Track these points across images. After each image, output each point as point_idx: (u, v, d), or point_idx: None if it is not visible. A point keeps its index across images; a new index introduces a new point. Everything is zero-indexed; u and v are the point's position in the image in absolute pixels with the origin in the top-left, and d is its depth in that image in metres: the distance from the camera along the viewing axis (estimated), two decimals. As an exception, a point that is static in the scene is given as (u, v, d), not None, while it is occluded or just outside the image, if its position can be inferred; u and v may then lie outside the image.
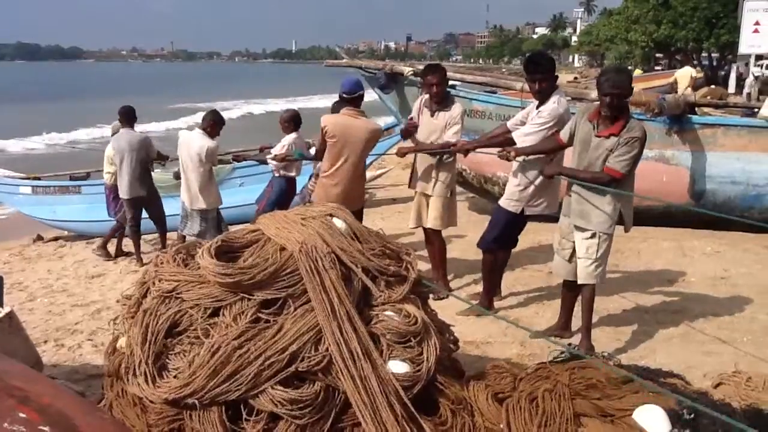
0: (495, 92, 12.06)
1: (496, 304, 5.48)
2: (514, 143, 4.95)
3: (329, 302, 2.90)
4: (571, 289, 4.68)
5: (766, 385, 3.49)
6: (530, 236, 6.72)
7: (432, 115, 5.67)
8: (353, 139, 5.47)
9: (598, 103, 4.31)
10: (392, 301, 3.12)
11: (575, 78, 46.28)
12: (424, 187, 5.76)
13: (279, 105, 36.76)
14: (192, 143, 6.83)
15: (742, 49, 24.29)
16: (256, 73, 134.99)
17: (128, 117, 7.73)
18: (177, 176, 7.91)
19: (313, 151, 6.89)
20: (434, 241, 5.90)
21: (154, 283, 3.07)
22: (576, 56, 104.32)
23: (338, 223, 3.29)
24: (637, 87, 12.34)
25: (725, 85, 27.28)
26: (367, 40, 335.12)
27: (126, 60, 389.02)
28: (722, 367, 4.11)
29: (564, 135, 4.56)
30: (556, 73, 5.03)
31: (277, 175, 7.16)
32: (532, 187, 5.03)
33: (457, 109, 5.68)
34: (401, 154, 5.98)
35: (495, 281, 5.45)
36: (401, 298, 3.14)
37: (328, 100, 6.88)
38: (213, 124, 6.92)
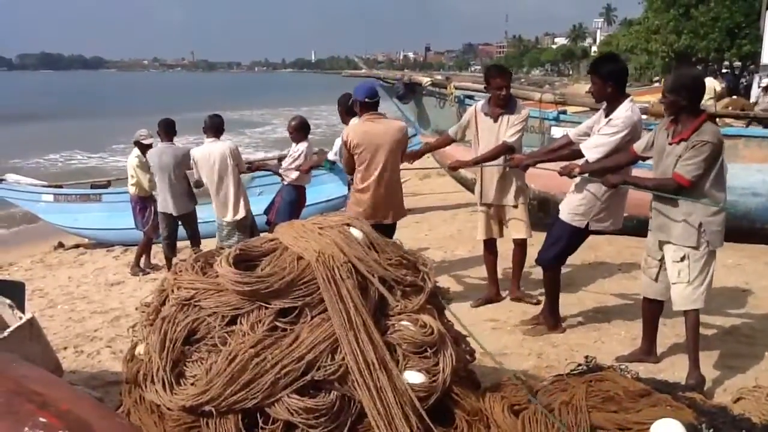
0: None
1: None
2: (579, 156, 4.65)
3: (346, 312, 2.91)
4: (653, 308, 4.41)
5: (786, 401, 3.44)
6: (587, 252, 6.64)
7: (495, 120, 5.40)
8: (381, 143, 5.19)
9: None
10: (409, 311, 3.12)
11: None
12: (500, 198, 5.55)
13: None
14: (213, 154, 6.59)
15: (765, 59, 24.09)
16: (277, 83, 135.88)
17: (168, 130, 7.42)
18: (198, 185, 7.91)
19: (331, 156, 6.86)
20: (518, 252, 5.73)
21: (172, 291, 3.10)
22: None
23: (355, 232, 3.30)
24: (657, 97, 12.28)
25: (747, 95, 27.01)
26: (385, 50, 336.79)
27: (147, 69, 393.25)
28: (742, 382, 4.06)
29: (639, 146, 4.29)
30: (620, 81, 4.59)
31: (286, 183, 6.95)
32: (598, 201, 4.66)
33: (524, 111, 5.50)
34: (454, 168, 5.82)
35: (557, 299, 5.07)
36: (418, 308, 3.14)
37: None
38: (217, 128, 6.71)
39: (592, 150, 4.56)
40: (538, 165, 5.09)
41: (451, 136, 5.75)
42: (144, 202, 8.01)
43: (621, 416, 2.97)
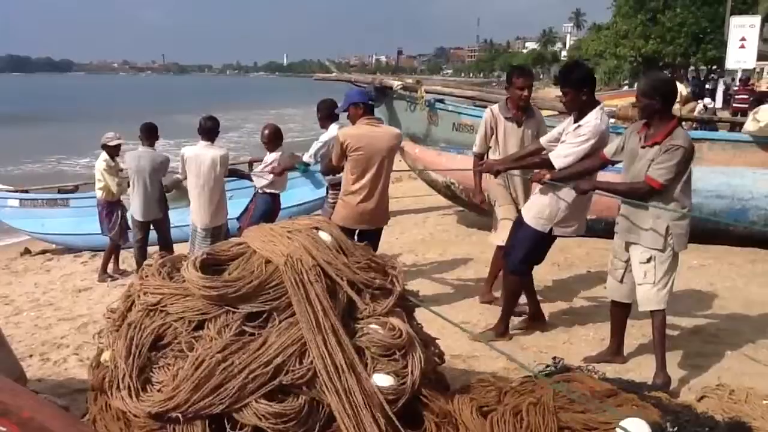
0: (484, 106, 12.17)
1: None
2: (549, 163, 4.61)
3: (314, 315, 2.91)
4: (620, 311, 4.46)
5: (749, 398, 3.52)
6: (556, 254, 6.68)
7: (520, 125, 5.28)
8: (379, 149, 5.14)
9: None
10: (377, 314, 3.13)
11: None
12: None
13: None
14: (204, 158, 6.43)
15: (729, 64, 24.62)
16: (249, 86, 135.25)
17: (149, 134, 7.30)
18: (168, 189, 7.82)
19: (306, 157, 6.51)
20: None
21: (139, 296, 3.07)
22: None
23: (324, 236, 3.30)
24: (625, 101, 12.51)
25: (712, 99, 27.56)
26: (358, 53, 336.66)
27: (117, 72, 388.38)
28: (706, 381, 4.14)
29: (609, 151, 4.31)
30: (592, 87, 4.57)
31: (260, 191, 6.72)
32: (563, 206, 4.65)
33: (540, 114, 5.45)
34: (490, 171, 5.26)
35: (514, 306, 5.06)
36: (386, 312, 3.15)
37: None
38: (212, 131, 6.58)
39: (561, 159, 4.54)
40: (511, 172, 5.11)
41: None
42: (111, 206, 7.89)
43: (588, 416, 3.01)
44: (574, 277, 6.47)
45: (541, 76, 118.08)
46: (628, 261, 4.25)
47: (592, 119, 4.49)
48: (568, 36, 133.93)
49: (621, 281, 4.34)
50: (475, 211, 8.91)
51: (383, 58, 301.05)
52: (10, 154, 22.95)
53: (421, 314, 3.58)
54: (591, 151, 4.48)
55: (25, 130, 33.87)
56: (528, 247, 4.84)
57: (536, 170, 4.79)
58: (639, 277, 4.14)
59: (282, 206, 6.92)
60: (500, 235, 5.40)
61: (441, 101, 10.69)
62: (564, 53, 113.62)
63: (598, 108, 4.56)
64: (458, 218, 9.68)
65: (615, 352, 4.53)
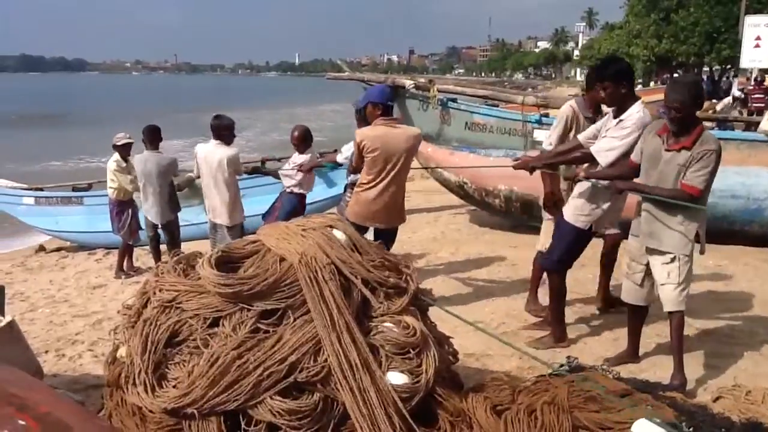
0: (497, 106, 12.16)
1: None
2: (588, 159, 4.54)
3: (328, 313, 2.91)
4: (638, 314, 4.40)
5: (765, 399, 3.50)
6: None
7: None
8: (396, 149, 5.07)
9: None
10: (391, 312, 3.13)
11: (583, 90, 46.38)
12: None
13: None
14: (211, 156, 6.40)
15: (744, 63, 24.41)
16: (261, 85, 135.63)
17: (153, 137, 7.26)
18: (180, 188, 7.85)
19: (341, 159, 6.47)
20: None
21: (154, 293, 3.09)
22: (578, 70, 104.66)
23: (338, 234, 3.30)
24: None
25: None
26: (369, 53, 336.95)
27: (130, 72, 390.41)
28: (722, 381, 4.12)
29: (636, 155, 4.20)
30: (631, 80, 4.48)
31: (288, 191, 6.67)
32: (602, 204, 4.56)
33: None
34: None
35: (563, 307, 4.92)
36: (400, 310, 3.15)
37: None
38: (223, 130, 6.46)
39: (605, 153, 4.42)
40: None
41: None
42: (121, 206, 7.92)
43: (602, 416, 2.99)
44: (587, 277, 6.43)
45: (553, 76, 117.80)
46: (647, 264, 4.17)
47: (635, 112, 4.38)
48: (581, 35, 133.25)
49: (640, 285, 4.25)
50: (487, 210, 8.90)
51: (395, 58, 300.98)
52: (30, 153, 23.22)
53: (434, 313, 3.58)
54: (635, 145, 4.30)
55: (44, 130, 34.15)
56: (567, 244, 4.74)
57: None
58: (662, 278, 4.06)
59: None
60: (543, 241, 5.34)
61: (453, 100, 10.68)
62: (576, 53, 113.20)
63: (639, 102, 4.45)
64: (470, 217, 9.67)
65: (633, 353, 4.50)
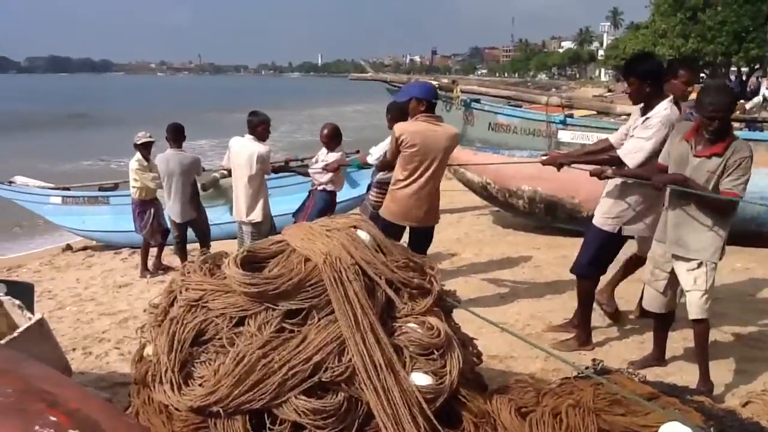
0: (520, 106, 12.10)
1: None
2: (617, 162, 4.44)
3: (353, 313, 2.91)
4: (663, 322, 4.31)
5: (795, 404, 3.43)
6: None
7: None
8: (435, 147, 5.01)
9: (694, 122, 3.94)
10: (415, 313, 3.12)
11: (608, 90, 46.06)
12: None
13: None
14: (242, 151, 6.41)
15: (772, 63, 24.01)
16: (285, 86, 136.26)
17: (176, 135, 7.34)
18: (205, 188, 7.91)
19: (371, 160, 6.22)
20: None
21: (180, 292, 3.11)
22: (602, 70, 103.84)
23: (362, 235, 3.31)
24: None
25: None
26: (392, 53, 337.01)
27: (155, 73, 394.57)
28: (751, 386, 4.06)
29: (664, 158, 4.11)
30: (657, 80, 4.42)
31: (319, 189, 6.68)
32: (632, 203, 4.50)
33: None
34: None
35: (590, 312, 4.89)
36: (424, 311, 3.15)
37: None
38: (258, 125, 6.47)
39: (631, 156, 4.37)
40: (574, 166, 4.85)
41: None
42: (143, 206, 7.98)
43: (629, 419, 2.97)
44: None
45: (577, 76, 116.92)
46: (671, 272, 4.08)
47: (661, 109, 4.33)
48: (605, 35, 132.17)
49: (663, 292, 4.16)
50: (511, 211, 8.86)
51: (417, 58, 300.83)
52: (62, 153, 23.57)
53: (458, 314, 3.57)
54: (662, 144, 4.25)
55: (74, 130, 34.57)
56: (595, 248, 4.70)
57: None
58: (688, 284, 3.97)
59: None
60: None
61: (477, 101, 10.66)
62: (601, 52, 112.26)
63: (667, 100, 4.39)
64: (494, 218, 9.63)
65: (658, 357, 4.42)
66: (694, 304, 3.97)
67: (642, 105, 4.49)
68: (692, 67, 5.18)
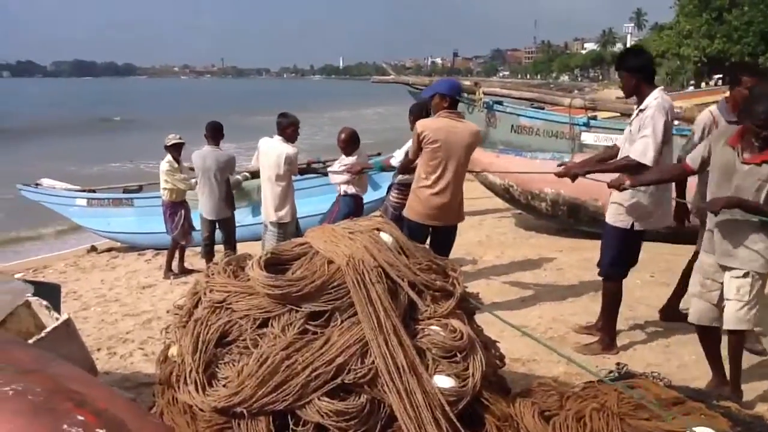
0: (542, 108, 12.03)
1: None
2: (633, 168, 4.35)
3: (376, 315, 2.92)
4: (713, 338, 4.04)
5: (825, 411, 3.37)
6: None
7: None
8: (457, 144, 4.97)
9: (739, 127, 3.78)
10: (438, 315, 3.12)
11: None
12: None
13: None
14: (271, 152, 6.47)
15: (800, 64, 23.67)
16: (307, 89, 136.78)
17: (215, 134, 7.45)
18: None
19: (395, 162, 6.17)
20: None
21: (205, 294, 3.14)
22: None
23: (385, 237, 3.31)
24: (689, 103, 12.18)
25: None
26: (413, 56, 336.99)
27: (178, 76, 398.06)
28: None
29: (694, 161, 3.97)
30: (645, 74, 4.49)
31: (343, 194, 6.59)
32: (641, 198, 4.48)
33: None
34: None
35: (615, 315, 4.83)
36: (447, 313, 3.15)
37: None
38: (287, 127, 6.51)
39: (645, 156, 4.33)
40: (589, 177, 4.76)
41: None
42: (174, 207, 8.07)
43: (653, 424, 2.94)
44: (637, 282, 6.31)
45: (600, 78, 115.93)
46: (723, 282, 3.91)
47: (652, 98, 4.41)
48: (629, 36, 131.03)
49: (716, 304, 3.94)
50: (533, 213, 8.82)
51: (438, 60, 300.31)
52: (89, 156, 23.89)
53: (480, 317, 3.56)
54: (666, 131, 4.35)
55: (101, 134, 34.96)
56: (614, 247, 4.67)
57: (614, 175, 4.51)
58: (730, 293, 3.82)
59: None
60: None
61: (499, 103, 10.61)
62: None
63: (657, 90, 4.49)
64: (516, 221, 9.59)
65: (722, 383, 4.03)
66: (732, 314, 3.81)
67: (637, 100, 4.58)
68: (756, 70, 4.99)
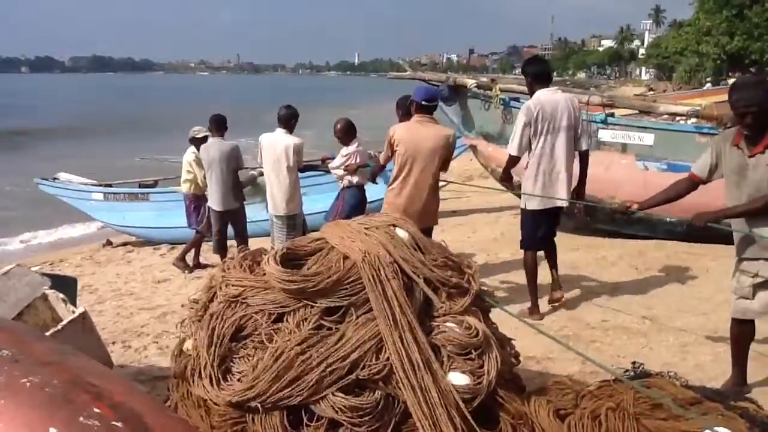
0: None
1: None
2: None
3: (391, 312, 2.91)
4: (746, 331, 4.00)
5: None
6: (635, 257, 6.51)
7: None
8: (422, 147, 5.15)
9: (738, 126, 3.80)
10: (453, 312, 3.11)
11: (649, 89, 45.21)
12: None
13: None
14: (276, 145, 6.54)
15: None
16: (323, 85, 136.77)
17: (219, 125, 7.54)
18: (243, 186, 7.95)
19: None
20: None
21: (220, 288, 3.15)
22: (643, 69, 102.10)
23: (401, 233, 3.30)
24: (708, 101, 12.06)
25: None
26: (429, 52, 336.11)
27: (194, 72, 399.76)
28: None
29: (702, 170, 3.95)
30: (534, 78, 5.40)
31: (346, 186, 6.68)
32: (525, 183, 5.42)
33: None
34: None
35: (532, 284, 5.62)
36: (462, 310, 3.13)
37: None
38: (292, 118, 6.65)
39: (509, 146, 5.37)
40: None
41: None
42: (198, 200, 8.09)
43: (670, 424, 2.91)
44: (653, 281, 6.27)
45: (617, 75, 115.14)
46: (755, 275, 3.86)
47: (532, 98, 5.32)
48: (647, 33, 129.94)
49: (752, 298, 3.89)
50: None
51: (454, 57, 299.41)
52: (110, 152, 23.95)
53: (495, 314, 3.54)
54: (526, 128, 5.21)
55: (123, 131, 34.89)
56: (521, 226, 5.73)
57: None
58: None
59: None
60: None
61: (516, 99, 10.54)
62: (642, 51, 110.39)
63: (538, 91, 5.32)
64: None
65: (741, 381, 4.04)
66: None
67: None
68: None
